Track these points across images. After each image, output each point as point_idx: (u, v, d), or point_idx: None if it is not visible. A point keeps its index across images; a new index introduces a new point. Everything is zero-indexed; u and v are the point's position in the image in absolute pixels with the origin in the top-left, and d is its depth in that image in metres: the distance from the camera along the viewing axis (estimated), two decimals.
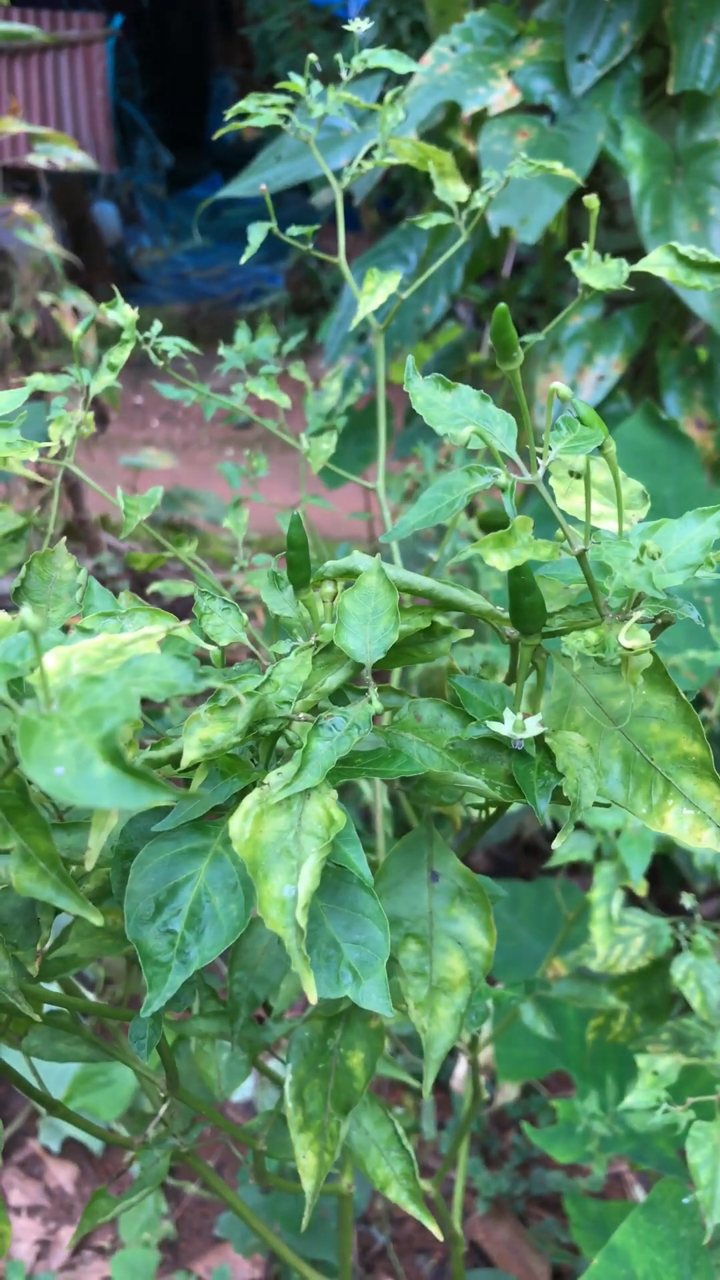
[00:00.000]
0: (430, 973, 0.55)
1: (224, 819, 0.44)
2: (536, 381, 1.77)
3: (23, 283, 3.00)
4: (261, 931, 0.68)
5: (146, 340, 0.81)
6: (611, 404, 1.85)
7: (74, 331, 0.85)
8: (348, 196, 2.04)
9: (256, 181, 1.72)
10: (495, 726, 0.46)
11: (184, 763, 0.40)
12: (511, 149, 1.68)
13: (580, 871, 2.05)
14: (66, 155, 2.90)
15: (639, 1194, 1.71)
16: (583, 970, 1.43)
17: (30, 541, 1.12)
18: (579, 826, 1.43)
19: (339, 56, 0.98)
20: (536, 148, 1.68)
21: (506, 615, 0.47)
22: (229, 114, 0.94)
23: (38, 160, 2.88)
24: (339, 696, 0.47)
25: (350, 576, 0.46)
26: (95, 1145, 1.88)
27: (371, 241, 4.84)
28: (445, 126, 1.81)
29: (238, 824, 0.39)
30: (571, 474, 0.36)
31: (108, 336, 4.44)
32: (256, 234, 0.85)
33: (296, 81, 0.92)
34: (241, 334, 1.14)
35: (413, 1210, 0.61)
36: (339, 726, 0.41)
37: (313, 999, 0.37)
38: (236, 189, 1.73)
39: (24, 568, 0.47)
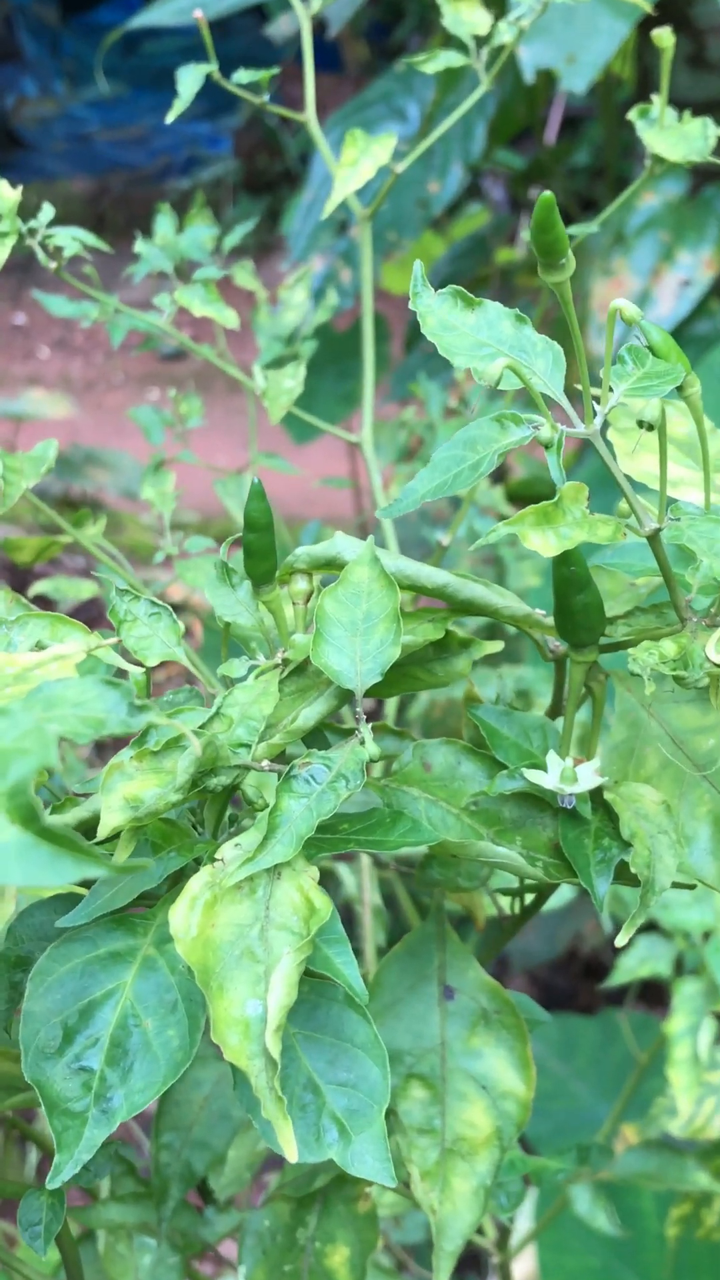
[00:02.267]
0: (442, 1129, 0.57)
1: (157, 909, 0.45)
2: (593, 290, 1.80)
3: None
4: (199, 1076, 0.69)
5: (33, 233, 0.83)
6: (700, 321, 1.88)
7: None
8: (322, 25, 2.07)
9: (189, 4, 1.75)
10: (535, 777, 0.47)
11: (102, 831, 0.41)
12: None
13: (660, 998, 2.06)
14: None
15: None
16: (663, 1137, 1.44)
17: None
18: (651, 925, 1.44)
19: None
20: None
21: (550, 621, 0.49)
22: None
23: None
24: (317, 737, 0.49)
25: (332, 569, 0.48)
26: None
27: (358, 88, 4.88)
28: None
29: (181, 916, 0.40)
30: (641, 425, 0.37)
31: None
32: (189, 80, 0.87)
33: None
34: (164, 221, 1.16)
35: None
36: (319, 778, 0.43)
37: (291, 1158, 0.39)
38: (159, 14, 1.76)
39: None
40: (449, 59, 0.88)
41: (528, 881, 0.59)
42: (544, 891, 0.60)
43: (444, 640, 0.51)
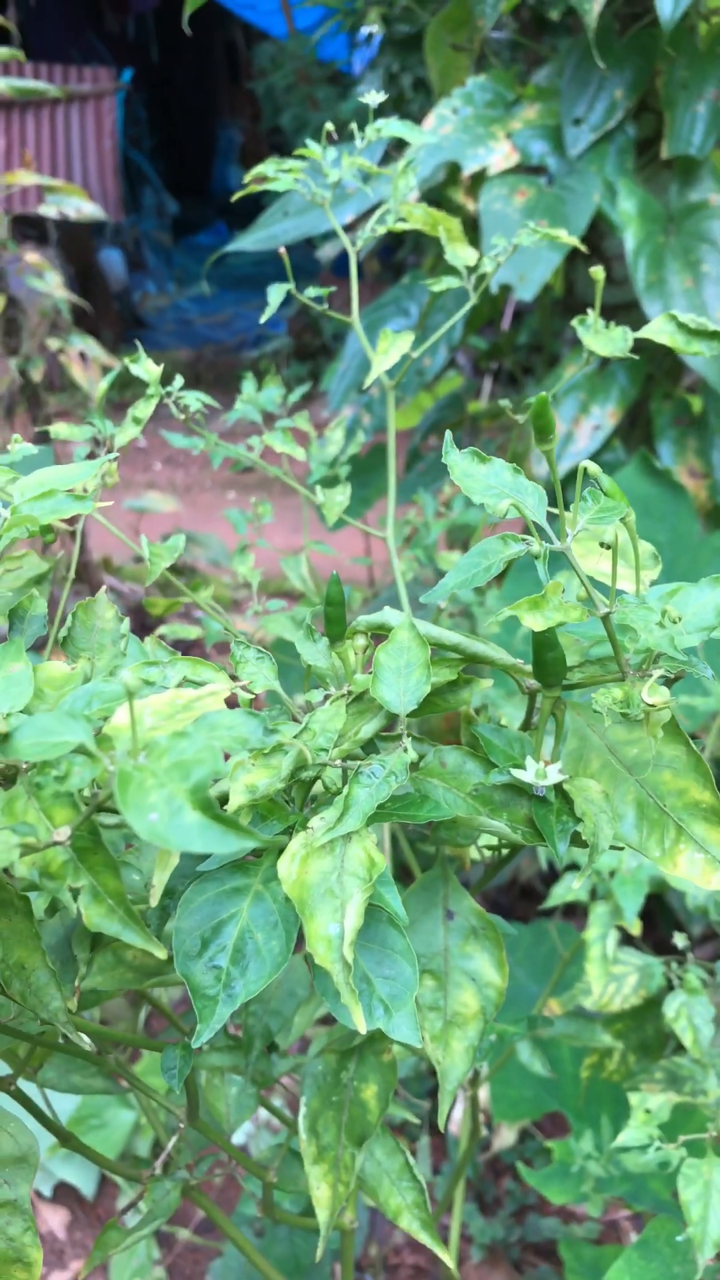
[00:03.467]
0: (445, 1007, 0.57)
1: (262, 860, 0.46)
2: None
3: (31, 328, 3.05)
4: None
5: (168, 395, 0.84)
6: (607, 453, 1.89)
7: (99, 384, 0.87)
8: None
9: (264, 236, 1.77)
10: (518, 774, 0.48)
11: (230, 807, 0.42)
12: (510, 208, 1.73)
13: (575, 914, 2.05)
14: (77, 206, 2.96)
15: (634, 1241, 1.70)
16: (578, 1009, 1.44)
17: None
18: (572, 868, 1.44)
19: (351, 121, 1.02)
20: (534, 207, 1.73)
21: (528, 668, 0.49)
22: (248, 177, 0.97)
23: (49, 211, 2.95)
24: (368, 744, 0.49)
25: (382, 631, 0.49)
26: (87, 1190, 1.86)
27: (374, 290, 4.92)
28: (446, 185, 1.87)
29: (285, 865, 0.41)
30: (603, 545, 0.38)
31: (123, 381, 4.49)
32: (276, 295, 0.88)
33: (314, 148, 0.96)
34: (248, 385, 1.17)
35: (424, 1239, 0.62)
36: (377, 774, 0.43)
37: (362, 1029, 0.39)
38: (245, 243, 1.78)
39: (70, 617, 0.49)
40: (449, 281, 0.90)
41: (504, 841, 0.59)
42: (516, 849, 0.61)
43: (455, 680, 0.51)
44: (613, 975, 1.24)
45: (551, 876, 2.06)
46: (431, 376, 1.83)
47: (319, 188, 0.97)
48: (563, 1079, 1.60)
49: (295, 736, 0.44)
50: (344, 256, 5.57)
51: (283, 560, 1.20)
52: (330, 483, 1.32)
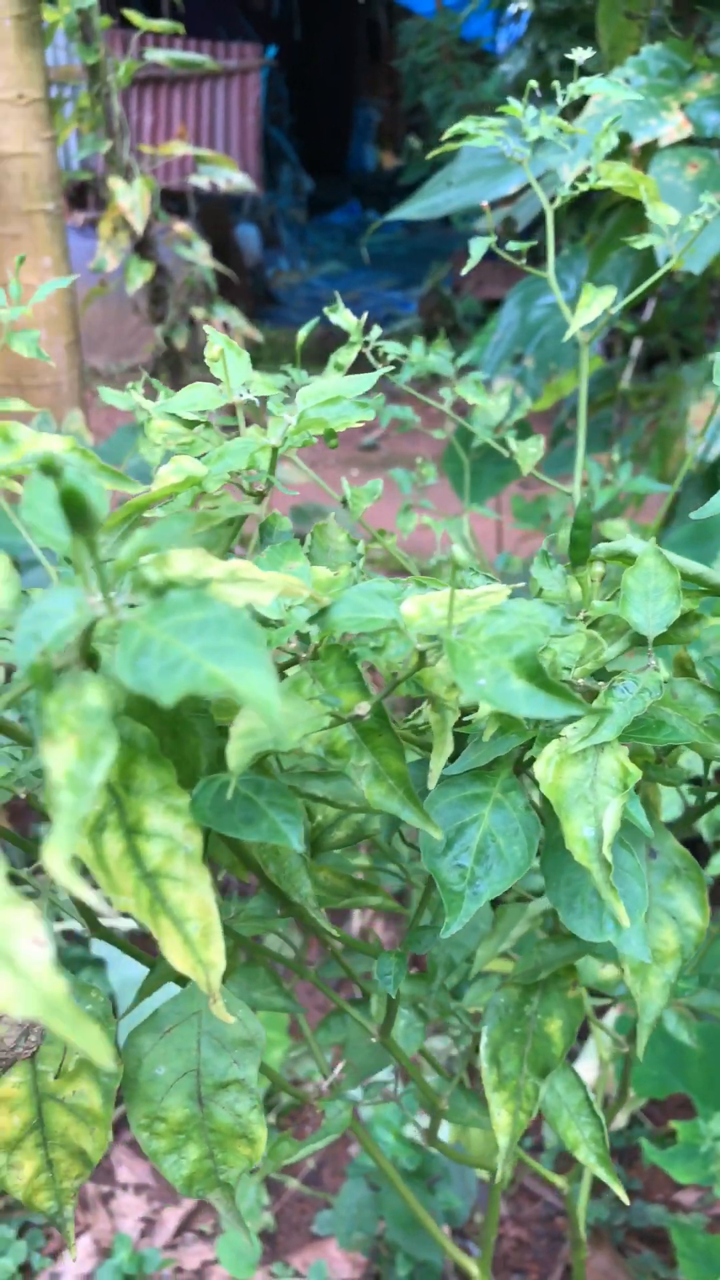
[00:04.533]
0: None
1: (498, 771, 0.48)
2: (690, 410, 1.78)
3: (176, 297, 3.12)
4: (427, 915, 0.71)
5: (367, 344, 0.86)
6: None
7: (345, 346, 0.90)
8: (513, 222, 2.08)
9: (426, 205, 1.78)
10: None
11: (482, 714, 0.44)
12: (681, 180, 1.70)
13: None
14: (228, 177, 3.02)
15: None
16: None
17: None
18: None
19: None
20: (706, 180, 1.70)
21: None
22: (448, 134, 0.99)
23: (200, 181, 3.01)
24: (600, 670, 0.50)
25: (622, 559, 0.50)
26: None
27: (506, 272, 4.88)
28: (614, 156, 1.85)
29: (541, 768, 0.43)
30: None
31: (265, 352, 4.56)
32: (478, 248, 0.89)
33: (514, 105, 0.97)
34: (417, 346, 1.18)
35: (601, 1173, 0.63)
36: (630, 690, 0.44)
37: (625, 923, 0.41)
38: (408, 212, 1.80)
39: (309, 538, 0.52)
40: (654, 239, 0.89)
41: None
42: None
43: (685, 614, 0.52)
44: None
45: None
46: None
47: (518, 145, 0.98)
48: (688, 1059, 1.58)
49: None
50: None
51: (445, 522, 1.21)
52: (486, 448, 1.33)
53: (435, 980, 0.69)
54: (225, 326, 3.01)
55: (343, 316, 0.84)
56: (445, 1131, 1.81)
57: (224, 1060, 0.50)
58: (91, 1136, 0.49)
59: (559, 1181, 0.97)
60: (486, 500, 2.56)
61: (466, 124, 0.97)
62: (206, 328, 0.50)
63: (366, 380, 0.47)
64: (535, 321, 1.80)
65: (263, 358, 5.27)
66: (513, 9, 4.95)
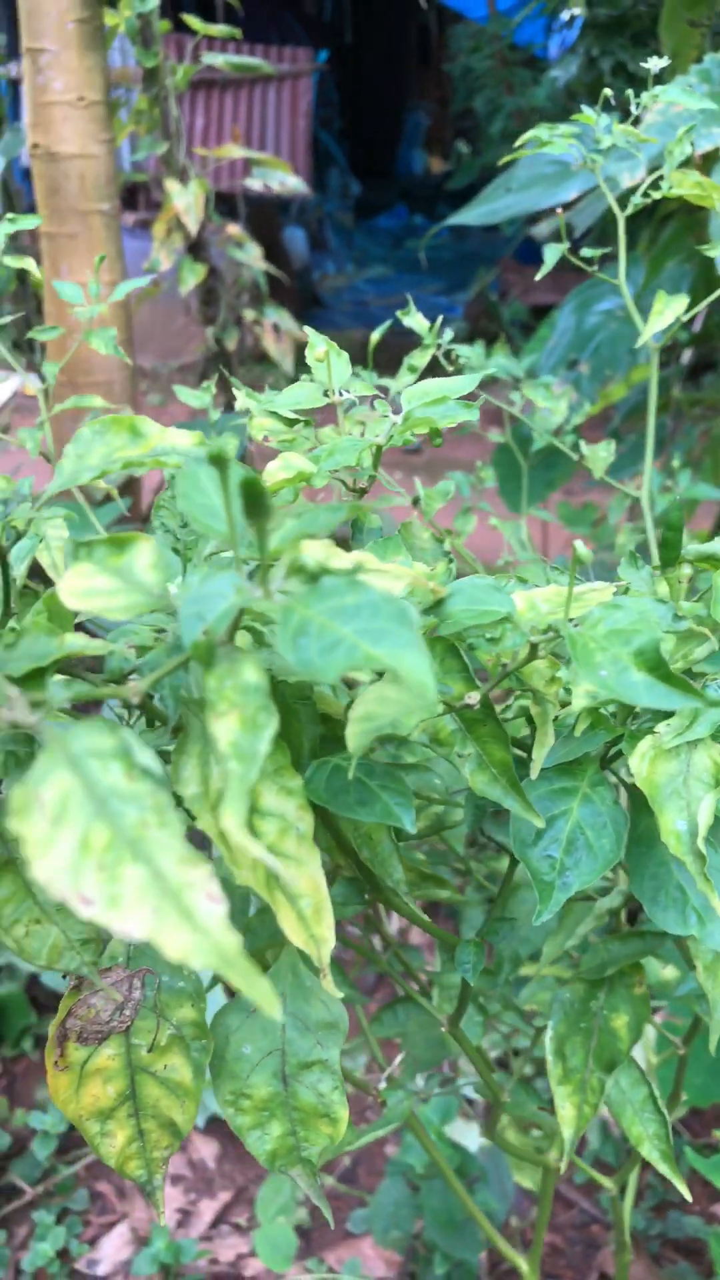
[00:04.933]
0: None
1: (585, 766, 0.49)
2: None
3: (227, 299, 3.15)
4: (525, 895, 0.73)
5: (439, 346, 0.88)
6: None
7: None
8: (572, 227, 2.09)
9: (485, 211, 1.80)
10: None
11: (574, 709, 0.45)
12: None
13: None
14: (281, 180, 3.05)
15: None
16: None
17: None
18: None
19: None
20: None
21: None
22: (521, 140, 1.00)
23: (254, 183, 3.04)
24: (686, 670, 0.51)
25: (710, 562, 0.51)
26: None
27: (554, 278, 4.88)
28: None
29: (635, 762, 0.44)
30: None
31: (300, 356, 4.59)
32: (552, 255, 0.90)
33: (588, 113, 0.98)
34: (477, 348, 1.20)
35: (664, 1169, 0.64)
36: (719, 689, 0.46)
37: (719, 909, 0.42)
38: (467, 217, 1.81)
39: (397, 534, 0.53)
40: None
41: None
42: None
43: None
44: None
45: None
46: (644, 358, 1.82)
47: (591, 152, 0.99)
48: None
49: None
50: (526, 244, 5.54)
51: (504, 525, 1.23)
52: (548, 452, 1.34)
53: (501, 974, 0.70)
54: (275, 328, 3.04)
55: (415, 320, 0.86)
56: (475, 1136, 1.82)
57: (308, 1041, 0.51)
58: (181, 1109, 0.50)
59: (607, 1183, 0.98)
60: (533, 505, 2.57)
61: (540, 131, 0.98)
62: (309, 329, 0.51)
63: (469, 381, 0.48)
64: (591, 328, 1.81)
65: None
66: (566, 15, 4.96)
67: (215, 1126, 1.94)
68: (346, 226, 6.51)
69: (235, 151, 2.99)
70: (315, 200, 6.02)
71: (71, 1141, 1.89)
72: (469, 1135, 1.77)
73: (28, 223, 0.96)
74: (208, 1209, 1.90)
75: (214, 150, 3.00)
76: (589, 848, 0.46)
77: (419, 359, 0.82)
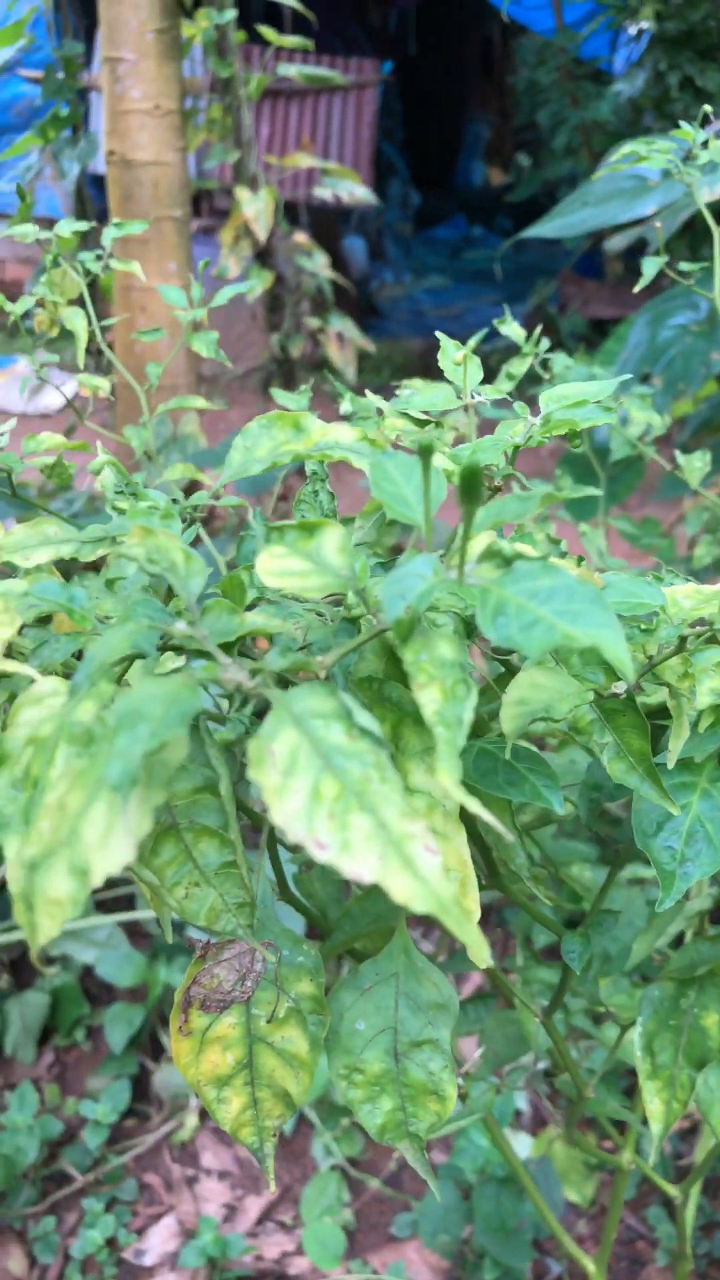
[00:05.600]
0: None
1: (705, 762, 0.51)
2: None
3: (292, 306, 3.19)
4: (614, 895, 0.74)
5: (537, 355, 0.90)
6: None
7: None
8: (644, 244, 2.10)
9: (561, 224, 1.82)
10: None
11: (700, 705, 0.47)
12: None
13: None
14: (351, 190, 3.09)
15: None
16: None
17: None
18: None
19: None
20: None
21: None
22: (618, 154, 1.02)
23: (324, 193, 3.08)
24: None
25: None
26: (286, 1126, 1.96)
27: (615, 291, 4.88)
28: None
29: None
30: None
31: (367, 363, 4.63)
32: (651, 268, 0.92)
33: (686, 129, 1.00)
34: (561, 359, 1.21)
35: None
36: None
37: None
38: (544, 230, 1.83)
39: (518, 529, 0.56)
40: None
41: None
42: None
43: None
44: None
45: None
46: (716, 370, 1.83)
47: (687, 168, 1.01)
48: None
49: None
50: (586, 257, 5.54)
51: (592, 532, 1.24)
52: (629, 461, 1.36)
53: (589, 972, 0.72)
54: (339, 337, 3.08)
55: (512, 329, 0.88)
56: (525, 1147, 1.82)
57: (419, 1020, 0.53)
58: (296, 1080, 0.53)
59: (673, 1191, 0.99)
60: (591, 519, 2.58)
61: (637, 145, 1.00)
62: (441, 335, 0.54)
63: (608, 386, 0.50)
64: (664, 342, 1.82)
65: (364, 369, 5.31)
66: (633, 29, 4.97)
67: None
68: (405, 236, 6.56)
69: (305, 161, 3.03)
70: (375, 210, 6.07)
71: (121, 1132, 1.92)
72: (519, 1144, 1.78)
73: (135, 227, 1.00)
74: (253, 1206, 1.92)
75: (283, 159, 3.05)
76: (709, 841, 0.48)
77: (517, 367, 0.84)
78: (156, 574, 0.31)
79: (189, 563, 0.32)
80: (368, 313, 5.73)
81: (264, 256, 2.98)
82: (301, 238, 3.08)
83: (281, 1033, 0.52)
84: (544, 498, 0.32)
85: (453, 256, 6.67)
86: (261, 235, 2.87)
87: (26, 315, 2.73)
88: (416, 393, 0.97)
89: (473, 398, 0.52)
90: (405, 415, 0.53)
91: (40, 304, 1.09)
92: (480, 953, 0.24)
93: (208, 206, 5.00)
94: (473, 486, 0.27)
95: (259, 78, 2.93)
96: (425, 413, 0.56)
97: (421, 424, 0.53)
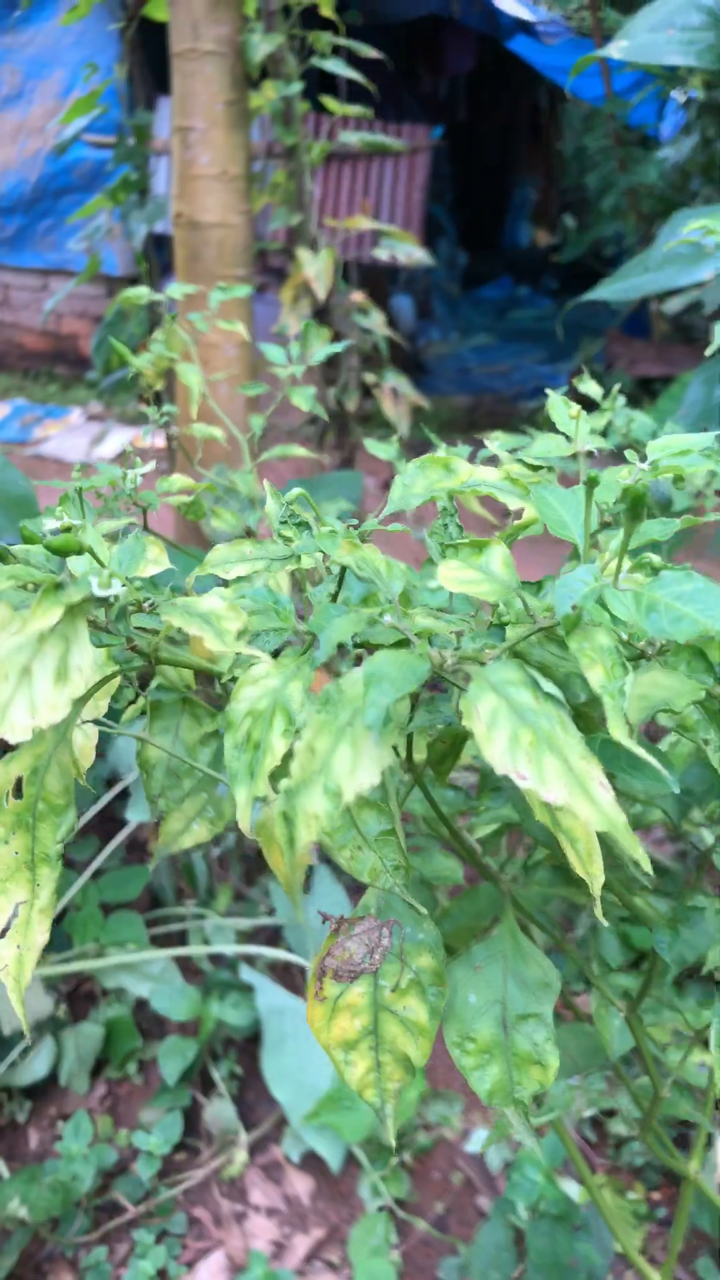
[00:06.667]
0: None
1: None
2: None
3: (349, 362, 3.33)
4: (697, 900, 0.81)
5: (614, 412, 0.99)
6: None
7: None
8: (644, 305, 2.21)
9: (624, 287, 1.92)
10: None
11: None
12: None
13: None
14: (408, 251, 3.23)
15: None
16: None
17: None
18: None
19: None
20: None
21: None
22: (689, 227, 1.12)
23: (382, 254, 3.23)
24: None
25: None
26: (334, 1163, 1.99)
27: (660, 350, 5.00)
28: None
29: None
30: None
31: (419, 417, 4.76)
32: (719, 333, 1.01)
33: None
34: (647, 416, 1.30)
35: None
36: None
37: None
38: (605, 293, 1.94)
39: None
40: None
41: None
42: None
43: None
44: None
45: None
46: None
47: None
48: None
49: None
50: (634, 316, 5.68)
51: None
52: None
53: (666, 977, 0.78)
54: (394, 392, 3.20)
55: (590, 386, 0.97)
56: (573, 1193, 1.85)
57: (526, 996, 0.60)
58: (415, 1046, 0.60)
59: None
60: None
61: (711, 221, 1.10)
62: (549, 393, 0.62)
63: (708, 437, 0.58)
64: None
65: (412, 423, 5.45)
66: (682, 97, 5.15)
67: (310, 1162, 2.00)
68: (452, 296, 6.75)
69: (364, 223, 3.18)
70: (423, 269, 6.27)
71: (171, 1166, 1.97)
72: (567, 1187, 1.82)
73: (239, 291, 1.11)
74: (301, 1244, 1.96)
75: (344, 221, 3.20)
76: None
77: (599, 421, 0.93)
78: (365, 578, 0.40)
79: (390, 570, 0.40)
80: (415, 370, 5.88)
81: (322, 314, 3.12)
82: (358, 296, 3.22)
83: (404, 1002, 0.60)
84: (684, 520, 0.40)
85: (499, 316, 6.85)
86: (321, 294, 3.01)
87: (112, 365, 2.83)
88: (517, 443, 1.06)
89: (583, 447, 0.61)
90: (521, 461, 0.61)
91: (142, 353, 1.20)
92: (645, 865, 0.32)
93: (260, 265, 5.21)
94: (637, 508, 0.35)
95: (321, 145, 3.10)
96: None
97: (535, 469, 0.61)
